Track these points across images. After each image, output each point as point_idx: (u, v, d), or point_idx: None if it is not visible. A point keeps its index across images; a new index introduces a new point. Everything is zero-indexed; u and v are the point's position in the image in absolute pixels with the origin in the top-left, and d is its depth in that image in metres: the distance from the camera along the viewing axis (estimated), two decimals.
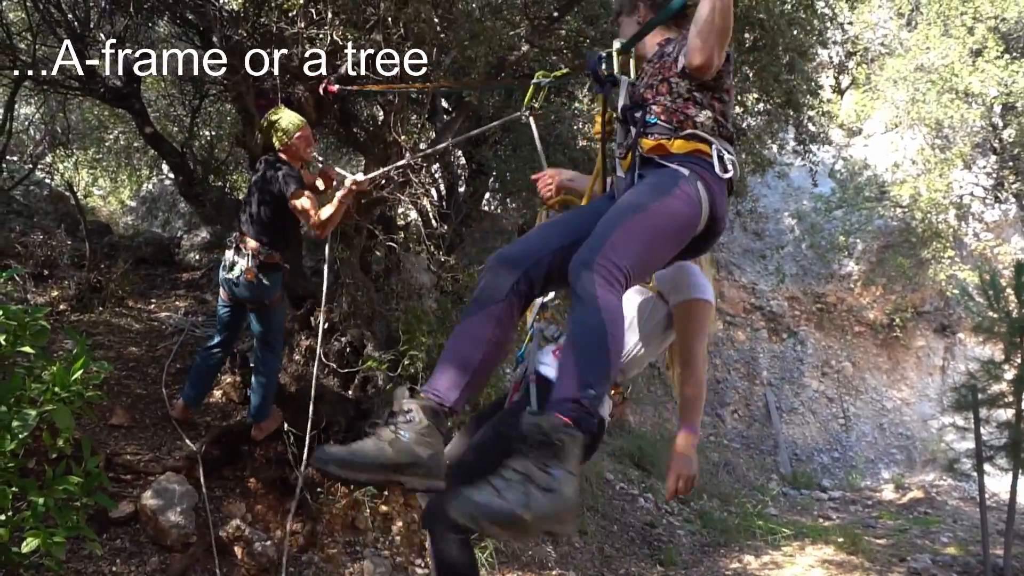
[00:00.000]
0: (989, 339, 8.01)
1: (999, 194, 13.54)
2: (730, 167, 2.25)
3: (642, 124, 2.31)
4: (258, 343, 4.69)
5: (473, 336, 2.00)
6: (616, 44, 2.45)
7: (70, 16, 6.24)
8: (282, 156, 4.44)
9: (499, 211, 10.24)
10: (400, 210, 5.35)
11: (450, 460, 2.15)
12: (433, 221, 4.80)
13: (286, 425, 4.81)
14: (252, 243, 4.42)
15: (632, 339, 2.50)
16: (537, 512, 1.56)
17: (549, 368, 2.42)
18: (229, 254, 4.49)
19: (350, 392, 4.99)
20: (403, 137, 4.59)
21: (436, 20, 4.79)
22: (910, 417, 14.11)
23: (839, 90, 15.46)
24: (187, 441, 4.73)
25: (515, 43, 5.24)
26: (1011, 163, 13.41)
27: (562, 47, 6.78)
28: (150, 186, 11.24)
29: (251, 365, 4.80)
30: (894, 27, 14.54)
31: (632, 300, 2.55)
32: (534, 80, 2.83)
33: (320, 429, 4.77)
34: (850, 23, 12.97)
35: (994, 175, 13.59)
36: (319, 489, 4.94)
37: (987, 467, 7.62)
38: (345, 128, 6.19)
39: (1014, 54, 12.15)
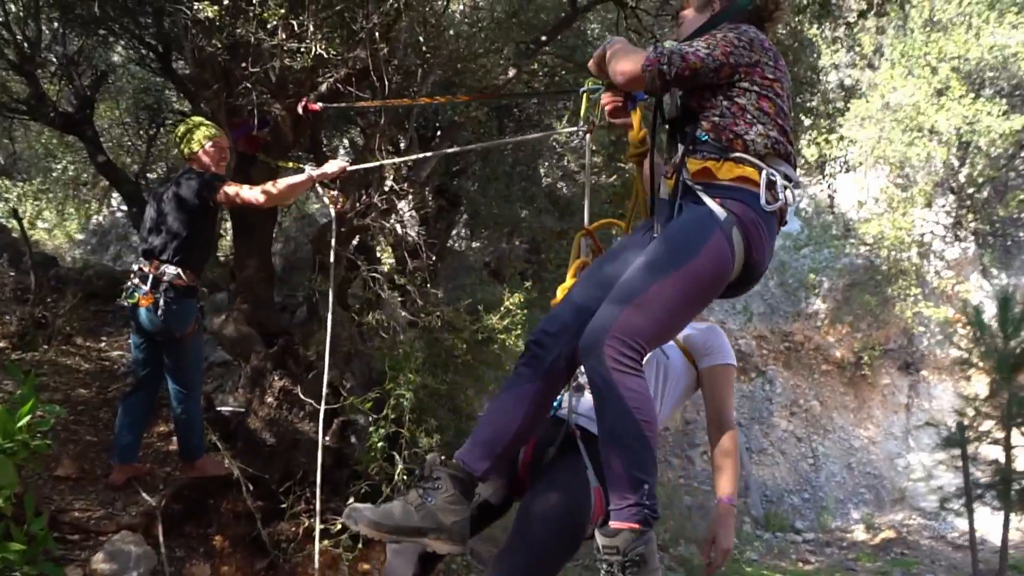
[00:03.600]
0: (963, 374, 7.96)
1: (958, 232, 13.83)
2: (780, 195, 2.03)
3: (691, 141, 2.07)
4: (171, 380, 4.14)
5: (508, 411, 2.02)
6: (669, 44, 2.16)
7: (19, 37, 5.86)
8: (194, 167, 4.05)
9: (464, 248, 9.96)
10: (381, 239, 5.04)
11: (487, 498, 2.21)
12: (420, 251, 4.48)
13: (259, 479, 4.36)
14: (155, 263, 3.97)
15: (665, 402, 2.41)
16: None
17: (590, 420, 2.23)
18: (133, 280, 4.04)
19: (327, 438, 4.58)
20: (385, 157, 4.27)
21: (422, 40, 4.56)
22: (877, 456, 14.18)
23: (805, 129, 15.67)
24: (144, 495, 4.24)
25: (503, 66, 5.01)
26: (968, 202, 13.73)
27: (540, 75, 6.61)
28: (100, 218, 10.74)
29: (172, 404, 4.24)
30: (855, 70, 14.86)
31: (668, 362, 2.44)
32: (582, 89, 2.49)
33: (295, 481, 4.33)
34: (837, 65, 13.12)
35: (952, 214, 13.89)
36: (289, 546, 4.48)
37: (956, 506, 7.54)
38: (315, 153, 5.85)
39: (979, 94, 12.47)
